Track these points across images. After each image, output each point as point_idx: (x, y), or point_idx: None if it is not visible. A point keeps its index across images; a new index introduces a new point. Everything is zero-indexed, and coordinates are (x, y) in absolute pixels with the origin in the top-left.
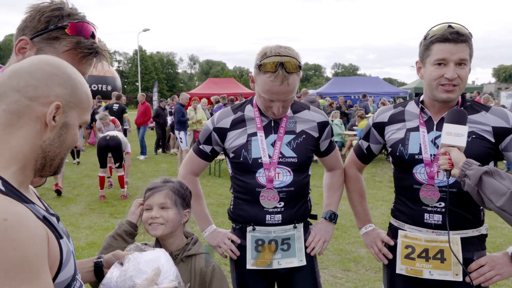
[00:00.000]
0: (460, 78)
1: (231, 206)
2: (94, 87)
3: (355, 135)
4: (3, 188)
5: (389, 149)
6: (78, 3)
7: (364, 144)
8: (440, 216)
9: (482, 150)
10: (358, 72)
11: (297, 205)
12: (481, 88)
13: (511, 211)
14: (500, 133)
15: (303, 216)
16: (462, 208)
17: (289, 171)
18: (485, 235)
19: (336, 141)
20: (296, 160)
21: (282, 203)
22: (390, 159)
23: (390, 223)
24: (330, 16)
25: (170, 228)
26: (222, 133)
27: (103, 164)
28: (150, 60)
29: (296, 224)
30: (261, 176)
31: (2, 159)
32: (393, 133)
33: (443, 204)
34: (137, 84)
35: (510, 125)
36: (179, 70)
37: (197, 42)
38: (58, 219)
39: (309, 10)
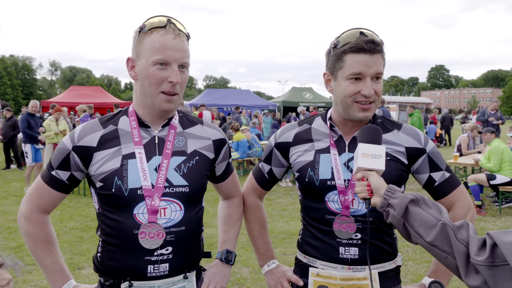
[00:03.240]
0: (377, 94)
1: (98, 254)
2: None
3: (230, 147)
4: None
5: (296, 174)
6: None
7: (266, 168)
8: (357, 249)
9: (397, 173)
10: (229, 85)
11: (188, 249)
12: None
13: (443, 247)
14: (412, 154)
15: (195, 262)
16: (379, 238)
17: (179, 205)
18: (400, 266)
19: None
20: (188, 190)
21: (170, 248)
22: (297, 185)
23: (297, 259)
24: (203, 28)
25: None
26: (85, 153)
27: None
28: (2, 63)
29: (187, 274)
30: (140, 214)
31: None
32: (300, 155)
33: (359, 236)
34: None
35: (422, 145)
36: (38, 77)
37: (60, 47)
38: None
39: (182, 21)
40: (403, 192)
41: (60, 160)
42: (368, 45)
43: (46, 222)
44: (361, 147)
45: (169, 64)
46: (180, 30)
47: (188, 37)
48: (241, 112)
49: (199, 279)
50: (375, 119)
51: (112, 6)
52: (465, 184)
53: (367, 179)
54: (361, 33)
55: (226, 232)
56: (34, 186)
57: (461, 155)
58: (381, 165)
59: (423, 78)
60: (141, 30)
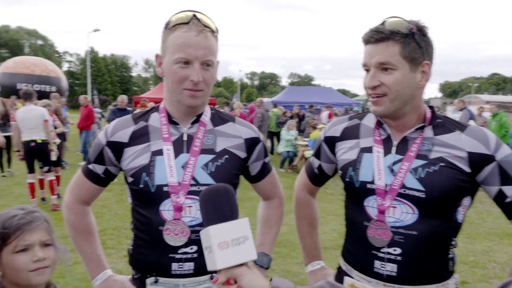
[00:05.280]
0: (387, 86)
1: (131, 247)
2: (36, 87)
3: (307, 145)
4: None
5: (340, 172)
6: None
7: (315, 163)
8: (396, 266)
9: (453, 182)
10: (313, 82)
11: None
12: (428, 101)
13: None
14: (477, 161)
15: None
16: (423, 256)
17: None
18: None
19: (288, 151)
20: None
21: (195, 247)
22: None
23: (339, 265)
24: (289, 25)
25: (53, 271)
26: (117, 149)
27: (30, 169)
28: (103, 62)
29: (214, 274)
30: (166, 210)
31: None
32: (345, 152)
33: (399, 251)
34: (90, 86)
35: (491, 151)
36: (134, 74)
37: (153, 46)
38: None
39: (268, 19)
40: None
41: (96, 155)
42: (371, 34)
43: (86, 213)
44: (213, 232)
45: (191, 62)
46: (205, 25)
47: (215, 32)
48: (321, 111)
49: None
50: (434, 118)
51: (200, 5)
52: None
53: (234, 281)
54: (383, 23)
55: (263, 234)
56: (75, 179)
57: None
58: (251, 253)
59: None
60: (166, 26)
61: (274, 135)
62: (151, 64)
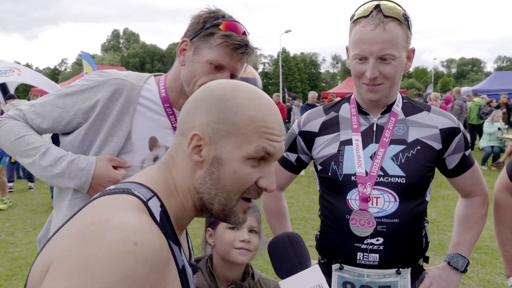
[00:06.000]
0: None
1: (318, 233)
2: None
3: None
4: (158, 219)
5: None
6: (227, 7)
7: None
8: None
9: None
10: None
11: (403, 244)
12: None
13: None
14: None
15: (412, 259)
16: None
17: (393, 196)
18: None
19: (492, 146)
20: (405, 181)
21: (381, 239)
22: None
23: None
24: (495, 2)
25: (253, 257)
26: (309, 138)
27: None
28: (293, 61)
29: (401, 269)
30: (353, 200)
31: (168, 189)
32: None
33: None
34: (281, 84)
35: None
36: (322, 70)
37: (340, 41)
38: (195, 271)
39: None
40: None
41: (290, 143)
42: None
43: (279, 197)
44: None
45: (367, 58)
46: (386, 16)
47: (401, 20)
48: None
49: (417, 278)
50: None
51: None
52: None
53: None
54: None
55: (460, 234)
56: None
57: None
58: None
59: None
60: (351, 19)
61: (475, 128)
62: (339, 60)
